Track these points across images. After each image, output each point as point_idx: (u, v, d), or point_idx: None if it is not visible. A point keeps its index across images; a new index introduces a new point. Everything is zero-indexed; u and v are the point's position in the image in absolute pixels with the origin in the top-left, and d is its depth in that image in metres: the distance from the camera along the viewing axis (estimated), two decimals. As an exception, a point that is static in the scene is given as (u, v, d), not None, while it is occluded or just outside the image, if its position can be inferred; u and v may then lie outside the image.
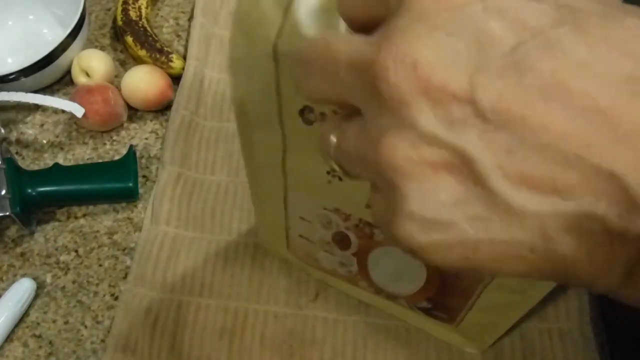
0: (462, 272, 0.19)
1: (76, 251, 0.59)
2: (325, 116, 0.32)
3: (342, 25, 0.24)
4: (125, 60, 0.72)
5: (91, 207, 0.62)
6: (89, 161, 0.65)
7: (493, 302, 0.42)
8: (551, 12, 0.17)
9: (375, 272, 0.47)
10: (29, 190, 0.58)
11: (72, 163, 0.64)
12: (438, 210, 0.18)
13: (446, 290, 0.44)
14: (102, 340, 0.54)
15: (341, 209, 0.41)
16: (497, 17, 0.17)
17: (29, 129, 0.67)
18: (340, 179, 0.37)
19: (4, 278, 0.58)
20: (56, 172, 0.61)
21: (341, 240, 0.45)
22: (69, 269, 0.58)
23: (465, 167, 0.17)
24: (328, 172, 0.37)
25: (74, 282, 0.57)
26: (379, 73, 0.17)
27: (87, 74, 0.66)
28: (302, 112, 0.33)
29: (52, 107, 0.67)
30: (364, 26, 0.20)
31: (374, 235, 0.42)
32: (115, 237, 0.60)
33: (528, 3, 0.17)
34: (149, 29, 0.70)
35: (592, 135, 0.16)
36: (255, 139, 0.38)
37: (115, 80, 0.69)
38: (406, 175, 0.18)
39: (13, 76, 0.63)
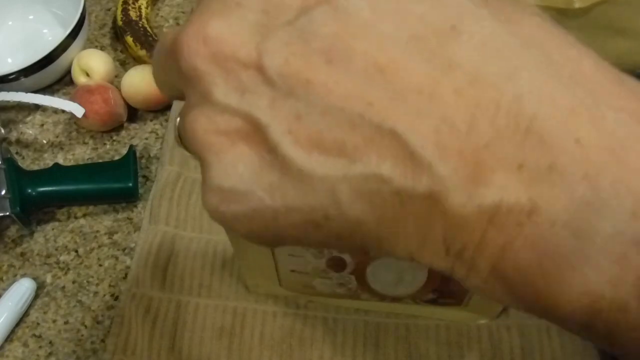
0: (268, 243, 0.19)
1: (76, 251, 0.59)
2: None
3: None
4: (125, 60, 0.72)
5: (91, 207, 0.62)
6: (89, 161, 0.65)
7: None
8: None
9: (376, 282, 0.47)
10: (29, 190, 0.58)
11: (72, 163, 0.64)
12: (236, 181, 0.18)
13: (449, 277, 0.44)
14: (102, 340, 0.54)
15: None
16: None
17: (29, 129, 0.67)
18: None
19: (4, 278, 0.58)
20: (56, 172, 0.61)
21: (336, 264, 0.44)
22: (69, 269, 0.58)
23: (258, 135, 0.17)
24: None
25: (74, 282, 0.57)
26: (178, 52, 0.18)
27: (87, 74, 0.66)
28: None
29: (52, 107, 0.67)
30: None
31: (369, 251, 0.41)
32: (115, 237, 0.60)
33: None
34: (149, 29, 0.70)
35: (373, 94, 0.16)
36: None
37: (115, 80, 0.69)
38: (206, 147, 0.18)
39: (13, 76, 0.63)
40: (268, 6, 0.17)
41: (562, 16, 0.54)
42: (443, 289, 0.46)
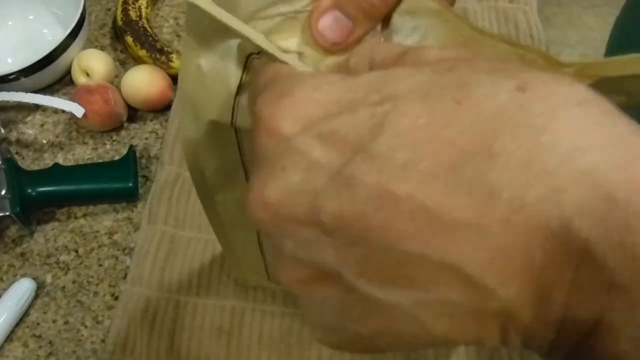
0: (374, 354, 0.22)
1: (76, 251, 0.59)
2: None
3: None
4: (125, 60, 0.72)
5: (91, 207, 0.62)
6: (89, 161, 0.65)
7: None
8: (366, 117, 0.18)
9: None
10: (29, 190, 0.58)
11: (72, 163, 0.64)
12: (331, 317, 0.20)
13: None
14: (102, 340, 0.54)
15: None
16: (319, 143, 0.19)
17: (29, 129, 0.67)
18: None
19: (4, 278, 0.58)
20: (56, 172, 0.61)
21: None
22: (69, 269, 0.58)
23: (335, 279, 0.19)
24: None
25: (74, 282, 0.57)
26: (250, 217, 0.20)
27: (87, 74, 0.67)
28: None
29: (52, 107, 0.67)
30: None
31: None
32: (115, 237, 0.60)
33: (346, 117, 0.19)
34: (149, 29, 0.70)
35: (425, 233, 0.17)
36: (218, 200, 0.38)
37: (115, 80, 0.69)
38: (296, 292, 0.20)
39: (13, 76, 0.64)
40: (309, 165, 0.19)
41: None
42: None
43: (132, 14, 0.70)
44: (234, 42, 0.28)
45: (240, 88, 0.29)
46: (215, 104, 0.30)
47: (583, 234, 0.16)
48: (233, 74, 0.28)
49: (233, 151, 0.33)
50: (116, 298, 0.56)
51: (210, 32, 0.28)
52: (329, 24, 0.26)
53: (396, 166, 0.17)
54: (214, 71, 0.29)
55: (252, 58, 0.28)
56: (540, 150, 0.16)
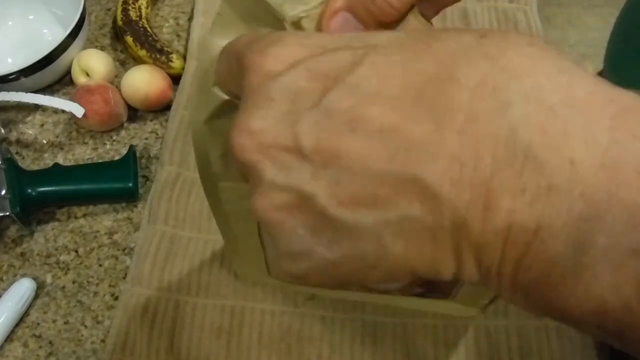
0: (338, 288, 0.23)
1: (76, 251, 0.59)
2: None
3: None
4: (125, 60, 0.72)
5: (91, 207, 0.62)
6: (89, 161, 0.65)
7: None
8: (348, 56, 0.21)
9: None
10: (29, 190, 0.58)
11: (72, 163, 0.65)
12: (299, 244, 0.21)
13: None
14: (102, 340, 0.54)
15: None
16: (305, 75, 0.21)
17: (29, 129, 0.67)
18: None
19: (4, 278, 0.58)
20: (56, 172, 0.61)
21: None
22: (69, 269, 0.58)
23: (308, 203, 0.20)
24: None
25: (74, 282, 0.58)
26: (231, 148, 0.22)
27: (87, 74, 0.67)
28: None
29: (52, 107, 0.67)
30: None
31: None
32: (115, 237, 0.60)
33: (330, 55, 0.21)
34: (149, 29, 0.70)
35: (391, 150, 0.19)
36: (221, 187, 0.38)
37: (115, 80, 0.69)
38: (269, 220, 0.21)
39: (13, 76, 0.64)
40: (294, 96, 0.21)
41: None
42: (430, 286, 0.47)
43: (132, 14, 0.70)
44: (260, 29, 0.28)
45: None
46: None
47: (526, 141, 0.18)
48: None
49: None
50: (116, 298, 0.56)
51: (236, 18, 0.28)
52: (339, 25, 0.27)
53: (369, 93, 0.20)
54: None
55: None
56: (493, 73, 0.19)
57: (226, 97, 0.30)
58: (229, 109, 0.31)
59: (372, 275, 0.21)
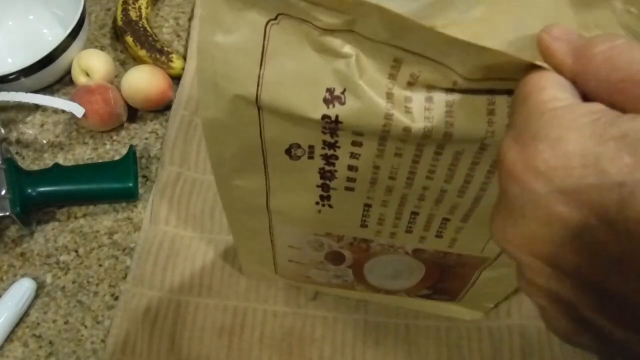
0: None
1: (76, 251, 0.59)
2: (313, 148, 0.32)
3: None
4: (125, 60, 0.72)
5: (91, 207, 0.62)
6: (89, 161, 0.65)
7: (492, 277, 0.43)
8: (615, 187, 0.18)
9: (372, 276, 0.47)
10: (29, 190, 0.58)
11: (72, 163, 0.64)
12: (564, 328, 0.21)
13: (446, 277, 0.45)
14: (102, 340, 0.54)
15: (333, 232, 0.41)
16: (560, 199, 0.19)
17: (29, 129, 0.67)
18: (330, 206, 0.37)
19: (4, 278, 0.58)
20: (56, 172, 0.61)
21: (335, 258, 0.44)
22: (69, 269, 0.58)
23: (564, 305, 0.21)
24: (317, 203, 0.37)
25: (74, 282, 0.57)
26: (494, 239, 0.22)
27: (87, 74, 0.66)
28: (288, 151, 0.33)
29: (52, 107, 0.67)
30: None
31: (370, 248, 0.42)
32: (115, 237, 0.60)
33: (591, 177, 0.18)
34: (149, 29, 0.70)
35: None
36: (234, 185, 0.38)
37: (115, 80, 0.69)
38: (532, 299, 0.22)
39: (13, 76, 0.63)
40: (549, 219, 0.19)
41: None
42: (438, 287, 0.47)
43: (132, 14, 0.70)
44: (250, 12, 0.27)
45: (263, 60, 0.28)
46: (239, 77, 0.29)
47: None
48: (254, 44, 0.28)
49: (254, 132, 0.32)
50: (116, 298, 0.56)
51: (224, 5, 0.27)
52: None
53: None
54: (234, 44, 0.28)
55: (271, 24, 0.27)
56: None
57: (239, 92, 0.30)
58: (240, 106, 0.31)
59: None
